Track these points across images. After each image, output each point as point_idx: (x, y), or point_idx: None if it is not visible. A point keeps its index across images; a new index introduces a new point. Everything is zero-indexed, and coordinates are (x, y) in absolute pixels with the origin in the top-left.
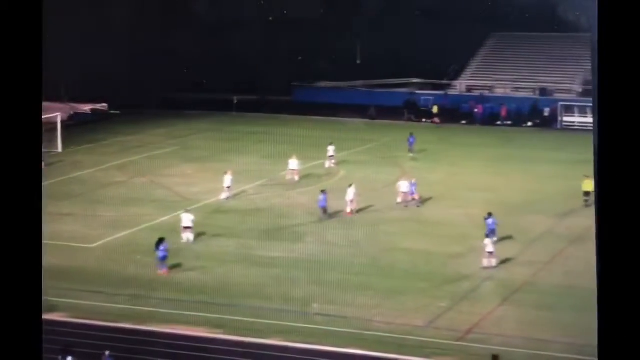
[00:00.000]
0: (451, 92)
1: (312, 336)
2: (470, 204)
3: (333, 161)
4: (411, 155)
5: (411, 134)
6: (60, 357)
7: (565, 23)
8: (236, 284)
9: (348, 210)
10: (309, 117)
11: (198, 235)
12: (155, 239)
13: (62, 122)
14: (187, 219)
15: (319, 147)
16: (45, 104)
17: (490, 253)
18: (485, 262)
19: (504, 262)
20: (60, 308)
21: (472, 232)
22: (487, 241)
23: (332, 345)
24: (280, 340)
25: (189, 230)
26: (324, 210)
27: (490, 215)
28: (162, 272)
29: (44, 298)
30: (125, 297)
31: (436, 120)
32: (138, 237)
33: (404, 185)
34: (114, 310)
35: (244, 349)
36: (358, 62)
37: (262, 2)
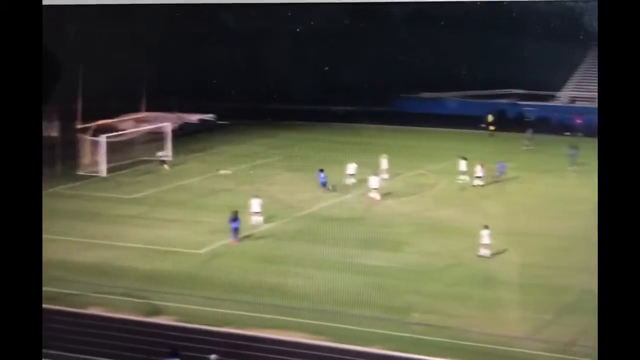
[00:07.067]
0: (554, 103)
1: (412, 345)
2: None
3: (352, 180)
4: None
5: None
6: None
7: None
8: (337, 291)
9: (378, 197)
10: (409, 128)
11: (300, 243)
12: (257, 247)
13: (172, 131)
14: (256, 204)
15: (418, 157)
16: (156, 114)
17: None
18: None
19: None
20: (166, 312)
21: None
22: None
23: (431, 355)
24: (380, 349)
25: (258, 214)
26: (324, 185)
27: None
28: (234, 242)
29: (154, 302)
30: (231, 302)
31: (491, 128)
32: (243, 244)
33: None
34: (218, 315)
35: (344, 356)
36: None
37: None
